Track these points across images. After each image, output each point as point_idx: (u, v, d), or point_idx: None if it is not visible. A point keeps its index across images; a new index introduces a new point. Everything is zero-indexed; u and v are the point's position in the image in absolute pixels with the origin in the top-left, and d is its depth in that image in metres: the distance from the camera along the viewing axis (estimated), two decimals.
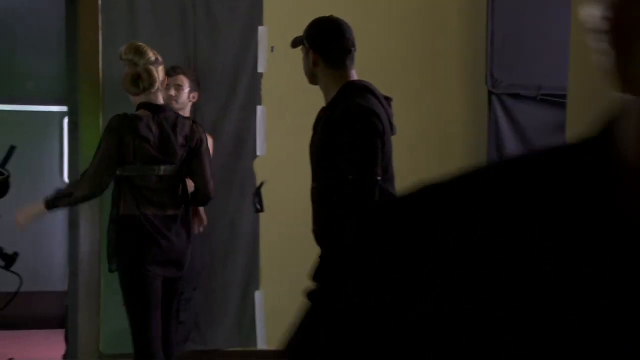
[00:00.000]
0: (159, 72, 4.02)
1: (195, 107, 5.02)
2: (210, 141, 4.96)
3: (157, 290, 4.00)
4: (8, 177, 1.86)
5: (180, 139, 4.00)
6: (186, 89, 4.86)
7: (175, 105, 4.86)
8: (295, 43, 3.45)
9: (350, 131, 3.15)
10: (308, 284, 3.18)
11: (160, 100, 4.08)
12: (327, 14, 3.48)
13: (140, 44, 4.10)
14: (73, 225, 5.05)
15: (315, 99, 5.19)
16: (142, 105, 4.02)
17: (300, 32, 3.35)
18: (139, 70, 3.97)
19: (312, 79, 3.40)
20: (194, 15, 5.16)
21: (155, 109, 4.01)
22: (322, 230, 3.26)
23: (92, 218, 4.93)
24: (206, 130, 4.98)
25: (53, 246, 6.36)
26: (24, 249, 6.04)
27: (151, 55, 4.02)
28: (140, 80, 3.96)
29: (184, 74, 4.87)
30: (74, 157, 5.08)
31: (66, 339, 5.24)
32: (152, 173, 3.94)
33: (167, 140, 3.96)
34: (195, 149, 4.05)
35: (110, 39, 5.04)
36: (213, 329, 5.21)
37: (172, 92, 4.84)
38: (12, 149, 2.26)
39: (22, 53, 6.65)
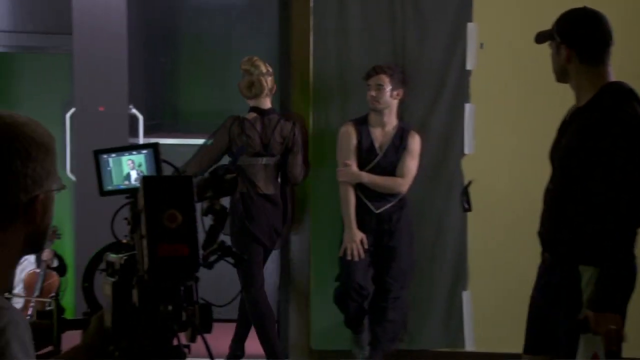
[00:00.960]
0: (268, 82, 4.95)
1: (402, 105, 5.00)
2: (417, 139, 4.94)
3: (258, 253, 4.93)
4: (237, 176, 1.92)
5: (279, 138, 4.92)
6: (387, 88, 4.85)
7: (377, 106, 4.85)
8: (541, 38, 3.13)
9: (614, 142, 2.87)
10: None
11: (268, 104, 4.99)
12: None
13: (256, 57, 5.00)
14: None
15: (525, 96, 5.07)
16: (252, 109, 4.97)
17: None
18: (253, 79, 4.91)
19: (562, 76, 3.09)
20: (403, 11, 5.14)
21: (262, 112, 4.92)
22: (551, 234, 3.10)
23: (305, 218, 5.04)
24: (413, 127, 4.97)
25: None
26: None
27: (263, 68, 4.95)
28: (253, 87, 4.92)
29: (385, 72, 4.85)
30: None
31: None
32: (256, 163, 4.90)
33: (268, 139, 4.89)
34: (290, 147, 4.95)
35: (321, 40, 5.12)
36: (420, 329, 5.18)
37: (373, 92, 4.84)
38: (241, 149, 2.39)
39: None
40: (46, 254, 6.37)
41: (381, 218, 4.90)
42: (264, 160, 4.91)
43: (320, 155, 5.08)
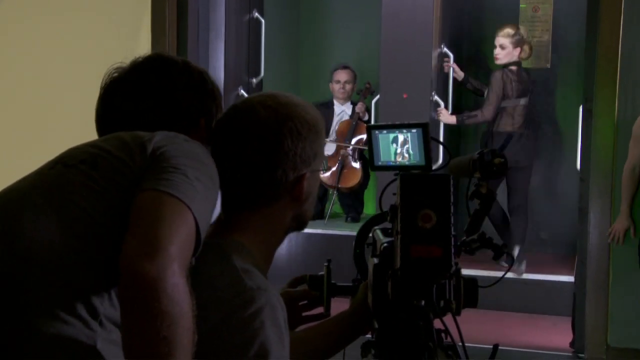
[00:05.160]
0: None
1: None
2: None
3: None
4: (505, 161, 1.89)
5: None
6: None
7: None
8: None
9: None
10: None
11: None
12: None
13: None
14: (583, 215, 5.01)
15: None
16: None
17: None
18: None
19: None
20: None
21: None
22: None
23: (603, 209, 4.83)
24: None
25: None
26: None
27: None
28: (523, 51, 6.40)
29: None
30: (587, 144, 5.03)
31: (573, 328, 5.22)
32: None
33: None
34: None
35: (632, 26, 4.84)
36: None
37: None
38: (509, 137, 2.41)
39: None
40: (359, 107, 6.82)
41: None
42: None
43: (625, 145, 4.83)
